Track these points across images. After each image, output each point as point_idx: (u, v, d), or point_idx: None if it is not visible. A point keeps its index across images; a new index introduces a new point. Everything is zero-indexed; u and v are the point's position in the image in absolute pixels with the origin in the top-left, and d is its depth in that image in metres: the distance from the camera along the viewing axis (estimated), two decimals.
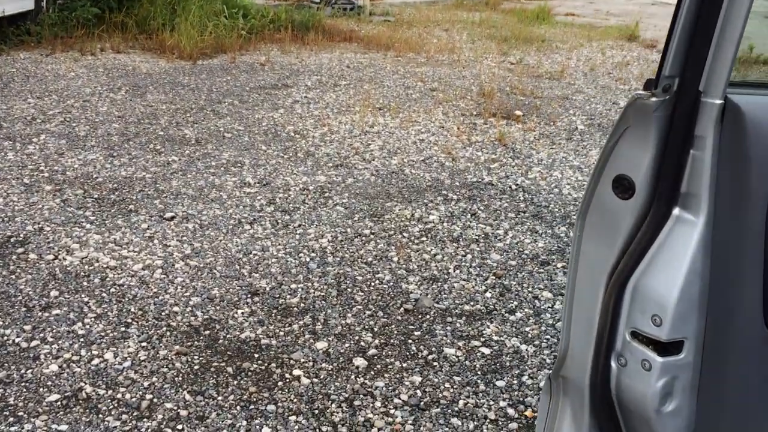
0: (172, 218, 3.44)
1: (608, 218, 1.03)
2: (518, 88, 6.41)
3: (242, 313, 2.67)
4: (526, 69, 7.34)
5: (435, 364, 2.41)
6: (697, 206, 0.99)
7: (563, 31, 9.91)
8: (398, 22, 10.22)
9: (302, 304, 2.76)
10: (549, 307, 2.78)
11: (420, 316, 2.70)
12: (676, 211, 1.01)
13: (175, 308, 2.67)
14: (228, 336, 2.51)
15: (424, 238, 3.36)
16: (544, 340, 2.55)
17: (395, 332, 2.59)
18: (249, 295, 2.80)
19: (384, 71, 7.02)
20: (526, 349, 2.49)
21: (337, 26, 9.23)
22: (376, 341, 2.53)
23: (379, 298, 2.83)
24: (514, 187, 4.04)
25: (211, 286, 2.85)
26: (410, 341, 2.54)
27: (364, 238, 3.35)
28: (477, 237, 3.39)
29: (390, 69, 7.14)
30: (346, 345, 2.50)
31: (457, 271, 3.05)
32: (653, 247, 0.99)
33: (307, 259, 3.12)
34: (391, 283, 2.94)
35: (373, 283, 2.94)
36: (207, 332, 2.53)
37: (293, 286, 2.90)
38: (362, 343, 2.51)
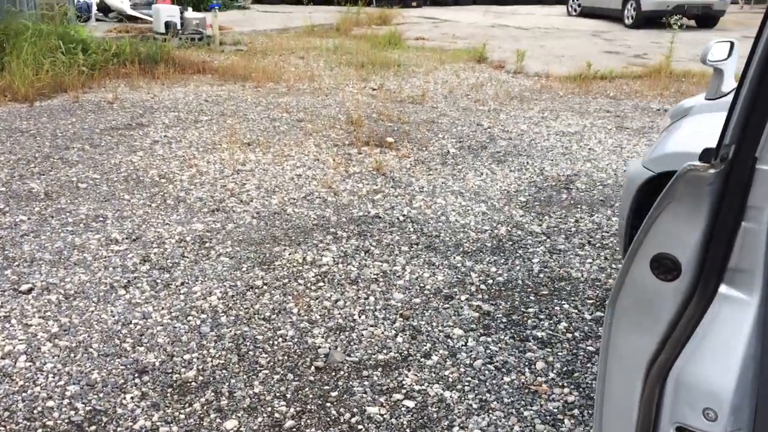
0: (30, 290, 2.99)
1: (646, 303, 0.92)
2: (384, 114, 6.40)
3: (131, 397, 2.33)
4: (389, 94, 7.38)
5: (360, 427, 2.22)
6: (750, 283, 0.90)
7: (416, 54, 10.14)
8: (251, 51, 9.95)
9: (200, 378, 2.46)
10: (463, 345, 2.69)
11: (334, 374, 2.50)
12: (723, 289, 0.91)
13: (50, 402, 2.28)
14: (119, 430, 2.17)
15: (321, 284, 3.17)
16: (466, 384, 2.45)
17: (311, 396, 2.37)
18: (136, 375, 2.46)
19: (246, 103, 6.75)
20: (451, 396, 2.37)
21: (187, 58, 8.80)
22: (292, 410, 2.30)
23: (286, 357, 2.60)
24: (401, 218, 3.96)
25: (89, 369, 2.47)
26: (329, 404, 2.33)
27: (256, 290, 3.10)
28: (375, 276, 3.25)
29: (251, 101, 6.88)
30: (259, 420, 2.24)
31: (363, 317, 2.89)
32: (699, 331, 0.89)
33: (198, 323, 2.82)
34: (296, 339, 2.72)
35: (276, 342, 2.70)
36: (92, 428, 2.17)
37: (186, 356, 2.59)
38: (277, 415, 2.27)
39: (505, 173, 4.83)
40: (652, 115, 6.64)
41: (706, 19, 14.18)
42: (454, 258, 3.46)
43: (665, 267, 0.91)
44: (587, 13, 16.25)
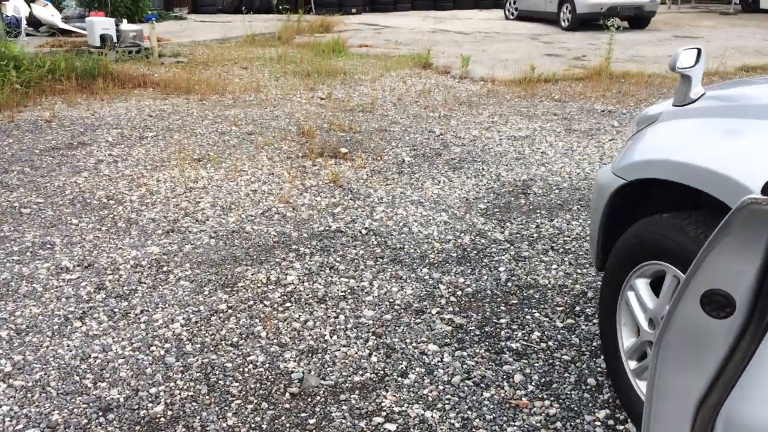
0: None
1: (695, 341, 0.89)
2: (335, 123, 6.33)
3: None
4: (338, 103, 7.31)
5: None
6: None
7: (361, 62, 10.11)
8: (193, 63, 9.72)
9: (169, 412, 2.34)
10: (439, 361, 2.65)
11: (310, 399, 2.42)
12: None
13: None
14: None
15: (288, 304, 3.07)
16: (446, 402, 2.40)
17: (288, 425, 2.29)
18: (100, 413, 2.32)
19: (191, 117, 6.57)
20: (432, 416, 2.33)
21: (126, 71, 8.52)
22: None
23: (258, 385, 2.50)
24: (363, 231, 3.90)
25: (48, 410, 2.32)
26: None
27: (221, 314, 2.98)
28: (343, 293, 3.18)
29: (197, 114, 6.70)
30: None
31: (335, 337, 2.82)
32: (751, 370, 0.87)
33: (162, 353, 2.69)
34: (267, 365, 2.62)
35: (246, 369, 2.60)
36: None
37: (153, 390, 2.46)
38: None
39: (463, 180, 4.83)
40: (598, 116, 6.78)
41: (639, 20, 14.64)
42: (421, 270, 3.42)
43: (717, 303, 0.88)
44: (524, 16, 16.57)
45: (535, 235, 3.88)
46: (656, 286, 2.11)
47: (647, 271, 2.13)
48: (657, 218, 2.08)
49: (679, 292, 0.92)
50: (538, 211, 4.25)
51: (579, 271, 3.43)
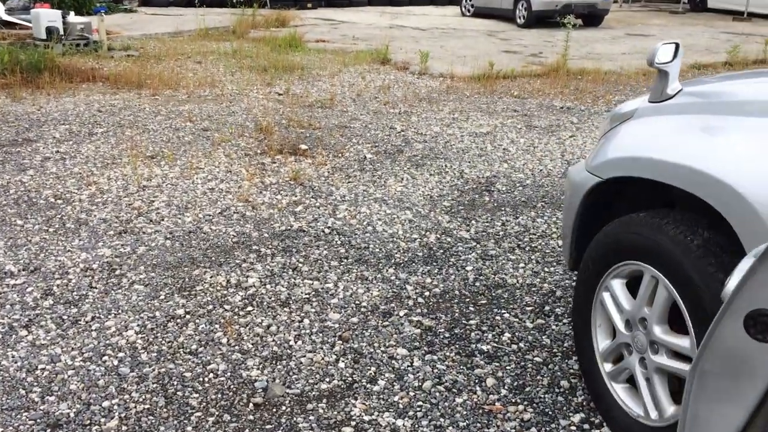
0: None
1: (737, 367, 0.81)
2: (294, 120, 6.19)
3: None
4: (296, 99, 7.16)
5: None
6: None
7: (318, 57, 9.95)
8: (144, 57, 9.41)
9: (124, 427, 2.20)
10: (408, 366, 2.56)
11: (275, 410, 2.30)
12: None
13: None
14: None
15: (249, 308, 2.94)
16: (418, 409, 2.32)
17: None
18: (48, 430, 2.16)
19: (144, 113, 6.33)
20: (404, 425, 2.24)
21: (74, 65, 8.19)
22: None
23: (220, 396, 2.37)
24: (327, 231, 3.78)
25: None
26: None
27: (179, 320, 2.83)
28: (307, 296, 3.06)
29: (150, 110, 6.46)
30: None
31: (300, 342, 2.70)
32: None
33: (115, 363, 2.53)
34: (229, 373, 2.49)
35: (206, 378, 2.46)
36: None
37: (106, 404, 2.30)
38: None
39: (426, 177, 4.75)
40: (557, 113, 6.80)
41: (592, 18, 14.84)
42: (387, 271, 3.33)
43: (764, 325, 0.81)
44: (480, 13, 16.62)
45: (501, 233, 3.83)
46: (633, 286, 2.07)
47: (623, 271, 2.08)
48: (634, 217, 2.03)
49: (720, 313, 0.84)
50: (503, 208, 4.21)
51: (546, 269, 3.38)
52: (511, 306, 3.01)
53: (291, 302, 3.00)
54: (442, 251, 3.57)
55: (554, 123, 6.37)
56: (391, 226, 3.89)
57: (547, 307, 3.00)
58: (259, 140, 5.53)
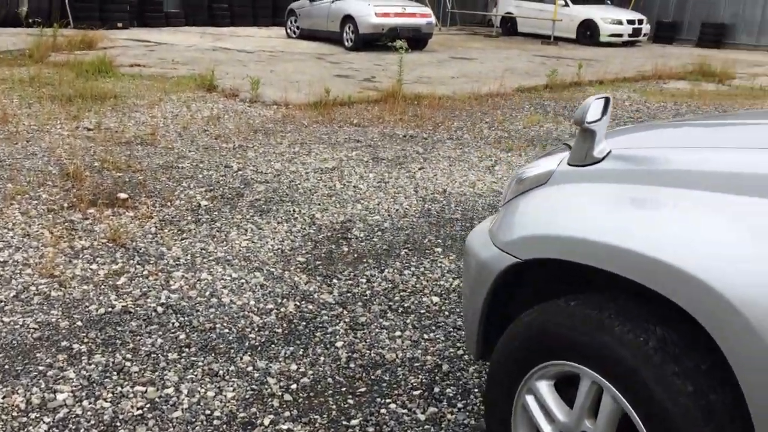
0: None
1: None
2: (109, 161, 5.31)
3: None
4: (110, 134, 6.23)
5: None
6: None
7: (134, 84, 8.94)
8: None
9: None
10: None
11: None
12: None
13: None
14: None
15: None
16: None
17: None
18: None
19: None
20: None
21: None
22: None
23: None
24: (160, 309, 3.08)
25: None
26: None
27: None
28: (140, 411, 2.37)
29: None
30: None
31: None
32: None
33: None
34: None
35: None
36: None
37: None
38: None
39: (273, 226, 4.18)
40: (401, 142, 6.54)
41: (417, 41, 15.05)
42: (242, 359, 2.72)
43: None
44: (307, 35, 16.28)
45: (368, 292, 3.36)
46: (566, 386, 1.69)
47: (551, 371, 1.69)
48: (562, 306, 1.64)
49: None
50: (365, 260, 3.76)
51: (425, 335, 2.97)
52: (396, 392, 2.55)
53: (118, 424, 2.29)
54: (304, 324, 3.03)
55: (400, 154, 6.08)
56: (239, 295, 3.27)
57: (436, 389, 2.57)
58: (66, 189, 4.61)
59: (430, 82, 10.14)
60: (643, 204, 1.48)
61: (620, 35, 18.16)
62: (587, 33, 18.35)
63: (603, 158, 1.63)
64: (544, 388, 1.71)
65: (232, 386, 2.53)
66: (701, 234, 1.39)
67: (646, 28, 18.77)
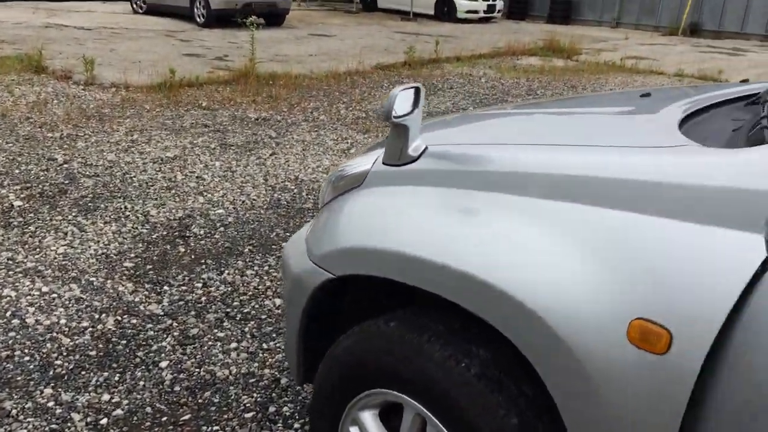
0: None
1: None
2: None
3: None
4: None
5: None
6: None
7: None
8: None
9: None
10: None
11: None
12: None
13: None
14: None
15: None
16: None
17: None
18: None
19: None
20: None
21: None
22: None
23: None
24: None
25: None
26: None
27: None
28: None
29: None
30: None
31: None
32: None
33: None
34: None
35: None
36: None
37: None
38: None
39: (99, 227, 3.72)
40: (252, 126, 6.17)
41: (274, 17, 14.53)
42: (42, 392, 2.33)
43: None
44: (155, 10, 15.24)
45: (203, 299, 3.04)
46: (391, 412, 1.50)
47: (374, 400, 1.49)
48: (382, 328, 1.44)
49: None
50: (203, 261, 3.42)
51: (264, 345, 2.71)
52: (225, 416, 2.27)
53: None
54: (125, 342, 2.67)
55: (251, 139, 5.71)
56: (48, 313, 2.84)
57: (272, 408, 2.33)
58: None
59: (287, 61, 9.75)
60: (456, 211, 1.29)
61: (476, 11, 18.54)
62: (445, 9, 18.58)
63: (419, 156, 1.43)
64: (369, 419, 1.51)
65: (26, 429, 2.14)
66: (511, 244, 1.22)
67: (500, 4, 19.31)
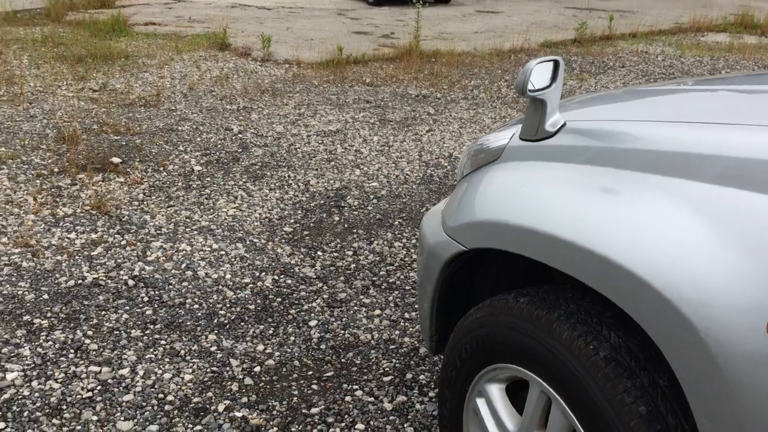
0: None
1: None
2: (109, 123, 5.18)
3: None
4: (114, 96, 6.10)
5: None
6: None
7: (147, 43, 8.77)
8: None
9: None
10: None
11: None
12: None
13: None
14: None
15: (1, 425, 2.09)
16: None
17: None
18: None
19: None
20: None
21: None
22: None
23: None
24: (131, 282, 2.96)
25: None
26: None
27: None
28: (90, 393, 2.25)
29: None
30: None
31: None
32: None
33: None
34: None
35: None
36: None
37: None
38: None
39: (265, 193, 4.01)
40: (412, 102, 6.27)
41: None
42: (207, 338, 2.58)
43: None
44: None
45: (352, 266, 3.19)
46: (518, 389, 1.49)
47: (500, 374, 1.49)
48: (511, 303, 1.43)
49: None
50: (355, 230, 3.57)
51: (407, 315, 2.79)
52: (365, 377, 2.38)
53: (64, 408, 2.17)
54: (279, 300, 2.87)
55: (410, 115, 5.82)
56: (217, 267, 3.12)
57: (409, 375, 2.40)
58: (60, 154, 4.51)
59: (452, 38, 9.74)
60: (596, 190, 1.24)
61: None
62: None
63: (556, 132, 1.39)
64: (495, 392, 1.51)
65: (191, 368, 2.40)
66: (658, 231, 1.15)
67: None
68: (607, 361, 1.22)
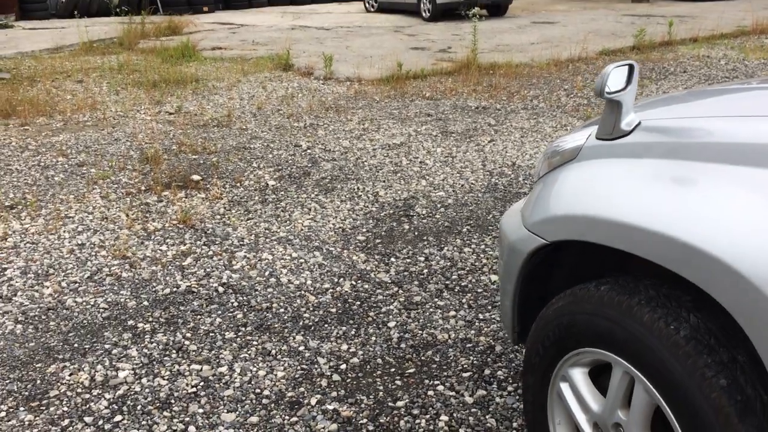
0: None
1: None
2: (186, 144, 5.50)
3: None
4: (189, 118, 6.45)
5: None
6: None
7: (215, 67, 9.20)
8: (16, 79, 8.41)
9: None
10: None
11: None
12: None
13: None
14: None
15: (118, 417, 2.31)
16: None
17: None
18: None
19: (8, 149, 5.48)
20: None
21: None
22: None
23: None
24: (221, 289, 3.18)
25: None
26: None
27: None
28: (194, 389, 2.45)
29: (16, 144, 5.61)
30: None
31: None
32: None
33: None
34: None
35: None
36: None
37: None
38: None
39: (336, 205, 4.20)
40: (472, 114, 6.40)
41: (497, 8, 14.67)
42: (294, 338, 2.77)
43: None
44: (385, 8, 16.20)
45: (425, 271, 3.33)
46: (600, 372, 1.60)
47: (583, 358, 1.60)
48: (592, 291, 1.55)
49: None
50: (425, 237, 3.72)
51: (480, 315, 2.91)
52: (445, 373, 2.51)
53: (173, 401, 2.38)
54: (358, 303, 3.04)
55: (471, 126, 5.95)
56: (298, 274, 3.32)
57: (487, 371, 2.52)
58: (144, 173, 4.83)
59: (508, 50, 9.83)
60: (674, 181, 1.36)
61: None
62: None
63: (631, 131, 1.51)
64: (578, 375, 1.62)
65: (283, 365, 2.58)
66: (738, 218, 1.25)
67: None
68: (687, 340, 1.32)
